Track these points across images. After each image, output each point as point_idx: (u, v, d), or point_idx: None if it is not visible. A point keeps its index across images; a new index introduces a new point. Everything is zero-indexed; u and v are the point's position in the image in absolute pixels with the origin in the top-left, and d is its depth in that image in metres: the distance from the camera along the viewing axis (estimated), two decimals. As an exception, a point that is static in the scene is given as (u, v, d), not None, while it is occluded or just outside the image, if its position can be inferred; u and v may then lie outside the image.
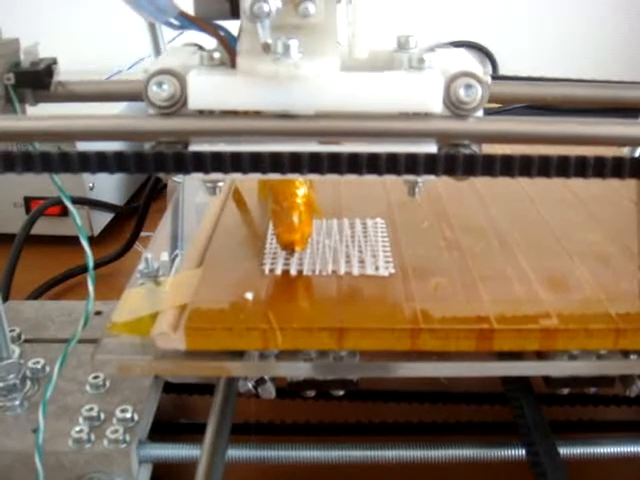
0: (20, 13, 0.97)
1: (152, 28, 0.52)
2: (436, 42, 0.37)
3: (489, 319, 0.34)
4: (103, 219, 0.76)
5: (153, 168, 0.27)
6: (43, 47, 0.38)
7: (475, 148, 0.31)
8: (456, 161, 0.27)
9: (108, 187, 0.77)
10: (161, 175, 0.62)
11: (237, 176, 0.27)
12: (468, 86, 0.30)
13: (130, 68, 0.88)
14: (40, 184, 0.68)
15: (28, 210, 0.72)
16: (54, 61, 0.38)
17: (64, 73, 0.38)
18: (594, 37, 1.03)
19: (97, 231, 0.75)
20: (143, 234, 0.69)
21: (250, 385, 0.37)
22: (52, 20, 0.98)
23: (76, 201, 0.70)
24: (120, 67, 0.87)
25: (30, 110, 0.38)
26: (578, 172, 0.27)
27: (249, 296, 0.36)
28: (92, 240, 0.73)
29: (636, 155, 0.56)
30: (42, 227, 0.69)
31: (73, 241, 0.36)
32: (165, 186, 0.70)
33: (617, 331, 0.33)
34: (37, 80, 0.37)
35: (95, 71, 0.86)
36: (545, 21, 1.02)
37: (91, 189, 0.72)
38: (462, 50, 0.36)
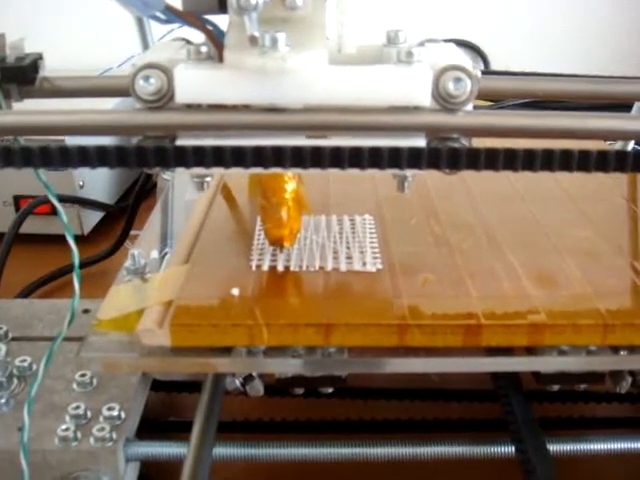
0: (9, 12, 0.97)
1: (140, 23, 0.51)
2: (426, 37, 0.36)
3: (477, 315, 0.34)
4: (93, 218, 0.76)
5: (135, 163, 0.27)
6: (32, 46, 0.38)
7: (464, 142, 0.31)
8: (439, 155, 0.27)
9: (98, 186, 0.77)
10: (151, 172, 0.62)
11: (221, 170, 0.27)
12: (457, 79, 0.30)
13: (120, 66, 0.88)
14: (29, 182, 0.67)
15: (17, 208, 0.72)
16: (40, 56, 0.37)
17: (53, 72, 0.38)
18: (589, 35, 1.03)
19: (87, 230, 0.74)
20: (133, 232, 0.69)
21: (238, 382, 0.37)
22: (42, 19, 0.98)
23: (66, 200, 0.69)
24: (109, 65, 0.87)
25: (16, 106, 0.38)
26: (563, 166, 0.27)
27: (235, 292, 0.35)
28: (82, 239, 0.73)
29: (628, 149, 0.56)
30: (31, 226, 0.69)
31: (63, 240, 0.35)
32: (155, 185, 0.69)
33: (605, 327, 0.33)
34: (22, 75, 0.36)
35: (84, 69, 0.85)
36: (538, 19, 1.02)
37: (81, 187, 0.72)
38: (451, 44, 0.36)
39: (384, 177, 0.30)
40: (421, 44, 0.35)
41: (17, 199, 0.72)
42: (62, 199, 0.37)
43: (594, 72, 0.83)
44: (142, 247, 0.43)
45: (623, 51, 1.02)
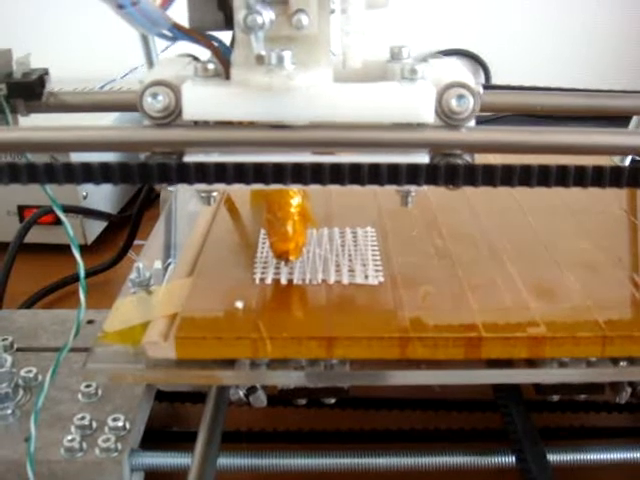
0: (10, 21, 0.97)
1: (145, 39, 0.52)
2: (429, 52, 0.37)
3: (478, 327, 0.34)
4: (96, 227, 0.76)
5: (138, 179, 0.27)
6: (36, 56, 0.39)
7: (467, 158, 0.31)
8: (438, 171, 0.27)
9: (102, 196, 0.77)
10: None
11: (224, 186, 0.28)
12: (460, 96, 0.30)
13: (124, 77, 0.88)
14: (34, 192, 0.67)
15: (22, 218, 0.72)
16: (46, 72, 0.38)
17: (57, 82, 0.38)
18: (591, 44, 1.03)
19: (90, 239, 0.75)
20: (136, 242, 0.69)
21: (241, 393, 0.37)
22: (45, 29, 0.98)
23: (69, 210, 0.70)
24: (114, 76, 0.87)
25: (22, 121, 0.38)
26: (559, 181, 0.27)
27: (239, 305, 0.36)
28: (85, 248, 0.73)
29: (626, 164, 0.57)
30: (36, 235, 0.69)
31: (67, 249, 0.36)
32: (158, 195, 0.70)
33: (604, 339, 0.34)
34: (29, 91, 0.37)
35: (88, 80, 0.86)
36: (539, 29, 1.03)
37: (85, 198, 0.72)
38: (454, 60, 0.36)
39: (385, 189, 0.31)
40: (424, 59, 0.36)
41: (21, 209, 0.72)
42: (66, 209, 0.38)
43: (595, 81, 0.84)
44: (146, 258, 0.43)
45: (626, 61, 1.03)
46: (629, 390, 0.37)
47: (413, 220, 0.46)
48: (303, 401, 0.39)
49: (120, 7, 0.28)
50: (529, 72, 0.99)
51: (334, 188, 0.28)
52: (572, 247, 0.43)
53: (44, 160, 0.27)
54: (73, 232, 0.37)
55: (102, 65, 0.90)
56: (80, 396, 0.42)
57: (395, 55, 0.35)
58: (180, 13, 0.33)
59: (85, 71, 0.89)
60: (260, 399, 0.37)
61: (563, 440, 0.44)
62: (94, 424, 0.39)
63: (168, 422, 0.48)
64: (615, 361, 0.35)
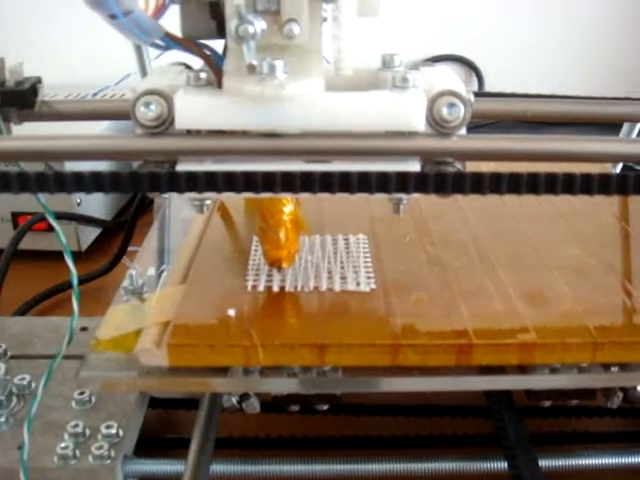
0: (8, 29, 0.98)
1: (138, 48, 0.52)
2: (420, 59, 0.37)
3: (468, 334, 0.34)
4: (91, 234, 0.76)
5: (129, 188, 0.27)
6: (29, 62, 0.39)
7: (458, 165, 0.31)
8: (426, 179, 0.27)
9: (96, 202, 0.77)
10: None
11: (215, 195, 0.28)
12: (451, 105, 0.31)
13: (117, 84, 0.88)
14: (28, 199, 0.67)
15: (15, 225, 0.72)
16: (39, 80, 0.38)
17: (52, 88, 0.38)
18: (586, 51, 1.04)
19: (84, 246, 0.75)
20: (131, 249, 0.69)
21: (234, 400, 0.37)
22: (40, 36, 0.98)
23: (63, 216, 0.70)
24: (107, 83, 0.87)
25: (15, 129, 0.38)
26: (548, 189, 0.27)
27: (231, 313, 0.36)
28: (80, 255, 0.73)
29: (617, 171, 0.57)
30: (30, 242, 0.69)
31: (61, 256, 0.36)
32: (152, 201, 0.70)
33: (594, 345, 0.34)
34: (22, 99, 0.37)
35: (83, 86, 0.86)
36: (535, 35, 1.03)
37: (78, 204, 0.72)
38: (445, 68, 0.36)
39: (377, 197, 0.31)
40: (415, 67, 0.36)
41: (15, 216, 0.72)
42: (60, 216, 0.38)
43: (592, 88, 0.84)
44: (140, 265, 0.43)
45: (623, 68, 1.03)
46: (620, 395, 0.37)
47: (405, 227, 0.46)
48: (296, 408, 0.39)
49: (113, 17, 0.28)
50: (524, 78, 0.99)
51: (326, 196, 0.28)
52: (563, 253, 0.43)
53: (37, 169, 0.27)
54: (67, 238, 0.37)
55: (96, 71, 0.90)
56: (73, 403, 0.41)
57: (387, 63, 0.35)
58: (173, 22, 0.34)
59: (79, 77, 0.89)
60: (253, 406, 0.37)
61: (555, 445, 0.44)
62: (87, 431, 0.39)
63: (161, 429, 0.48)
64: (606, 367, 0.35)
